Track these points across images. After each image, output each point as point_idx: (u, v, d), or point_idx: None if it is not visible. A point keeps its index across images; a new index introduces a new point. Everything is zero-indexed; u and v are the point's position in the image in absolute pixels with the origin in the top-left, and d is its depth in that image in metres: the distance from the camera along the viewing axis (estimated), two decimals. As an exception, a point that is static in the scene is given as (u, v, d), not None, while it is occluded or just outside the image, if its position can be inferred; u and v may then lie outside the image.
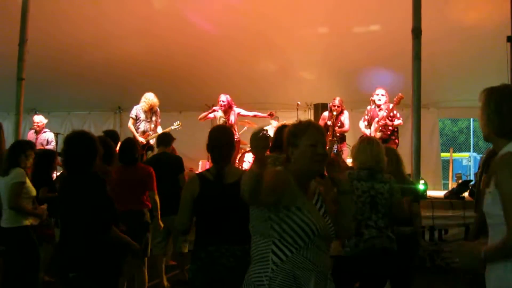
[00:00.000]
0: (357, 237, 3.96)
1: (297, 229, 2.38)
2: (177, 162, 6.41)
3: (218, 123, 9.35)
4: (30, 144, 5.39)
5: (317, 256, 2.43)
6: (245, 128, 10.64)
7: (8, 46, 9.01)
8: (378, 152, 4.15)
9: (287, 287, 2.35)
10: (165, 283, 6.20)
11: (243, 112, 9.77)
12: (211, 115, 9.75)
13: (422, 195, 7.14)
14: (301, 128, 2.56)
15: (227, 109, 9.49)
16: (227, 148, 3.46)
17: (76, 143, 3.43)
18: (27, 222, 4.89)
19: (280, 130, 3.99)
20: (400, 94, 8.36)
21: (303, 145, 2.49)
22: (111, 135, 5.75)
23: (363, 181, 4.08)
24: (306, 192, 2.54)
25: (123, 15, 10.93)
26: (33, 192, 5.03)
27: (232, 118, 9.54)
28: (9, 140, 6.50)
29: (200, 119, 9.90)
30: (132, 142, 5.84)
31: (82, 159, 3.38)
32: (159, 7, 10.75)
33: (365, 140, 4.34)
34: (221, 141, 3.45)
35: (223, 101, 9.44)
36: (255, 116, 10.01)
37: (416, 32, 7.29)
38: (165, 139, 6.73)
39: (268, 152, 3.54)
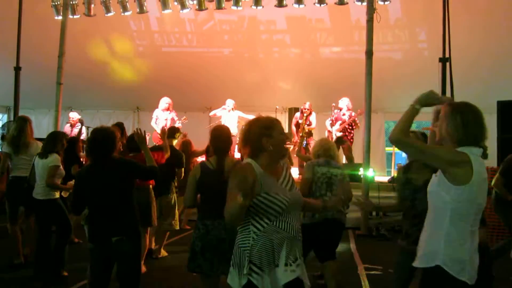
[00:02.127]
0: None
1: (267, 208, 2.33)
2: (180, 158, 5.85)
3: (222, 122, 9.53)
4: (64, 135, 5.28)
5: (287, 224, 2.38)
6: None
7: (49, 57, 8.85)
8: (329, 147, 4.36)
9: (264, 250, 2.32)
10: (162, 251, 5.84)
11: (241, 114, 9.76)
12: (219, 114, 9.84)
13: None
14: (269, 122, 2.49)
15: (231, 110, 9.69)
16: (226, 143, 3.42)
17: (100, 136, 3.32)
18: (57, 195, 4.85)
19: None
20: (360, 109, 8.28)
21: (277, 135, 2.44)
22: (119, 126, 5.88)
23: (322, 166, 4.18)
24: (275, 172, 2.47)
25: (144, 35, 10.89)
26: (63, 172, 4.94)
27: (236, 118, 9.68)
28: (49, 131, 6.35)
29: (212, 115, 10.05)
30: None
31: (105, 148, 3.28)
32: (170, 32, 10.73)
33: (322, 140, 4.60)
34: (221, 137, 3.42)
35: (231, 105, 9.71)
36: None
37: (369, 53, 7.27)
38: (170, 132, 6.14)
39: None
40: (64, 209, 4.92)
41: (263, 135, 2.43)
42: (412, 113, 2.27)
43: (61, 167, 4.89)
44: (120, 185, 3.22)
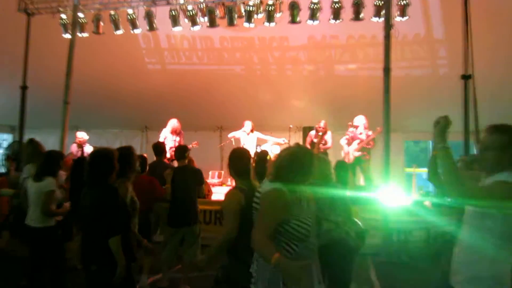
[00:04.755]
0: (318, 229, 3.81)
1: (297, 232, 2.55)
2: (200, 174, 5.64)
3: (241, 144, 9.80)
4: (62, 155, 5.12)
5: (312, 245, 2.65)
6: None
7: (56, 76, 9.00)
8: (327, 169, 4.18)
9: None
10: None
11: (260, 135, 9.92)
12: (238, 136, 9.95)
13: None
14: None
15: (250, 132, 9.82)
16: (249, 165, 3.42)
17: (97, 160, 3.33)
18: (53, 222, 4.62)
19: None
20: (379, 128, 8.28)
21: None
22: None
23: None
24: (295, 191, 2.68)
25: (153, 53, 11.06)
26: (59, 196, 4.77)
27: (255, 140, 9.80)
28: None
29: (230, 137, 10.05)
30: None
31: (100, 173, 3.28)
32: (180, 49, 10.89)
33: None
34: (246, 160, 3.41)
35: (250, 126, 9.86)
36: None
37: (387, 71, 7.26)
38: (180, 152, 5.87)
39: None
40: (60, 238, 4.75)
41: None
42: (447, 155, 2.23)
43: (57, 191, 4.69)
44: (102, 215, 3.21)
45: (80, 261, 3.32)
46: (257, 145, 10.06)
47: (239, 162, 3.38)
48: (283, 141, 9.86)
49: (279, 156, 2.79)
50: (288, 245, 2.55)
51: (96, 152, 3.41)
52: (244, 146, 9.74)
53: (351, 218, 4.20)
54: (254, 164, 4.10)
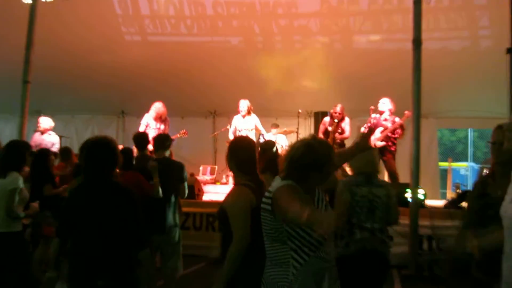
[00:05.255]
0: (349, 237, 4.00)
1: (311, 239, 2.63)
2: (180, 169, 5.67)
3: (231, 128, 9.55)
4: (28, 146, 5.20)
5: (327, 253, 2.72)
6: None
7: (14, 49, 9.02)
8: (373, 158, 4.25)
9: (306, 286, 2.61)
10: None
11: (258, 123, 9.61)
12: (234, 122, 9.66)
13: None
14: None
15: (246, 115, 9.45)
16: (255, 157, 3.40)
17: (100, 150, 3.31)
18: (20, 227, 4.66)
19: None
20: (407, 112, 8.26)
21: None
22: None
23: (361, 186, 4.13)
24: (310, 192, 2.78)
25: (131, 21, 11.04)
26: (27, 195, 4.80)
27: (252, 124, 9.49)
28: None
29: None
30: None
31: (105, 166, 3.27)
32: (164, 16, 10.89)
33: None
34: (251, 150, 3.39)
35: (246, 107, 9.44)
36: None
37: (417, 43, 7.29)
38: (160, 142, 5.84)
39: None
40: (27, 244, 4.80)
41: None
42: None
43: (24, 189, 4.73)
44: (114, 216, 3.22)
45: (75, 273, 3.33)
46: (259, 134, 9.95)
47: (242, 153, 3.34)
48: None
49: (291, 149, 2.79)
50: (297, 253, 2.62)
51: (94, 142, 3.42)
52: (241, 133, 9.34)
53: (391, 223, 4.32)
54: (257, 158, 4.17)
